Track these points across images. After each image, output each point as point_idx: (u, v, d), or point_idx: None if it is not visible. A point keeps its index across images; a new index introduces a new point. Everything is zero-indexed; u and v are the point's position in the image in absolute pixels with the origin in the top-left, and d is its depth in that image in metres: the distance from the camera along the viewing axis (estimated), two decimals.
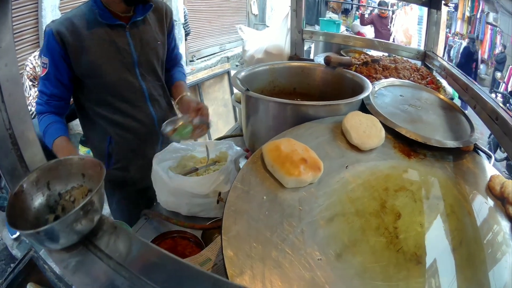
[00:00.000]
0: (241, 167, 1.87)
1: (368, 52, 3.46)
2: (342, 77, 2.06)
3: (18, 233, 4.44)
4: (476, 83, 2.10)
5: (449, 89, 2.46)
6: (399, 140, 1.49)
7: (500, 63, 14.08)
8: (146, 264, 0.79)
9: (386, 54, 3.34)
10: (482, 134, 1.76)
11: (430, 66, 2.95)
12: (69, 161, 1.01)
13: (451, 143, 1.47)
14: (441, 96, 1.96)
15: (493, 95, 9.35)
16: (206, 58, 9.76)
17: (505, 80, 13.17)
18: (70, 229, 0.81)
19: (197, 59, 9.36)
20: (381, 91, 1.86)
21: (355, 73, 2.02)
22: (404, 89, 1.95)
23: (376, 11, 12.84)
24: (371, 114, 1.55)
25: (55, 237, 0.79)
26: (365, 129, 1.41)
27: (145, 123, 2.24)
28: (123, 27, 2.05)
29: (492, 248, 1.15)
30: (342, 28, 7.37)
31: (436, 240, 1.12)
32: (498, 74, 13.87)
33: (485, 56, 15.44)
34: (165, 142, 2.32)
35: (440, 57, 2.92)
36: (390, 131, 1.49)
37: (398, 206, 1.17)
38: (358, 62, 2.45)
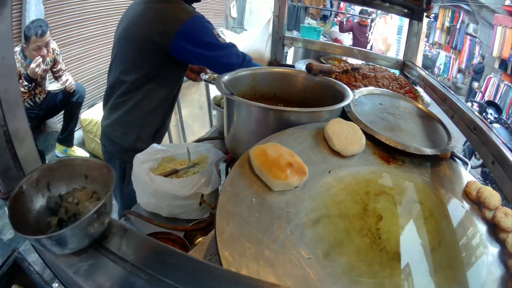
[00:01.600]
0: (220, 169, 1.94)
1: (347, 60, 3.57)
2: (323, 85, 2.14)
3: None
4: (454, 94, 2.21)
5: (427, 99, 2.57)
6: (378, 147, 1.58)
7: (477, 73, 14.43)
8: (164, 264, 0.81)
9: (364, 62, 3.44)
10: (457, 141, 1.84)
11: (408, 75, 3.06)
12: (71, 162, 1.01)
13: (429, 151, 1.57)
14: (419, 106, 2.06)
15: (469, 104, 9.58)
16: None
17: (482, 89, 13.47)
18: (84, 233, 0.82)
19: None
20: (361, 99, 1.95)
21: (336, 81, 2.10)
22: (383, 97, 2.05)
23: (356, 19, 13.05)
24: (352, 121, 1.63)
25: (67, 241, 0.81)
26: (347, 136, 1.49)
27: None
28: None
29: (471, 249, 1.24)
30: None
31: (416, 241, 1.21)
32: (476, 84, 14.21)
33: (463, 66, 15.76)
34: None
35: (419, 67, 3.03)
36: (370, 138, 1.58)
37: (379, 209, 1.26)
38: (339, 70, 2.54)
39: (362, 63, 3.23)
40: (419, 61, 3.22)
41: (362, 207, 1.24)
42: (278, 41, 3.60)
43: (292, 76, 2.23)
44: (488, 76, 13.60)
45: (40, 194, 0.95)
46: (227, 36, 4.11)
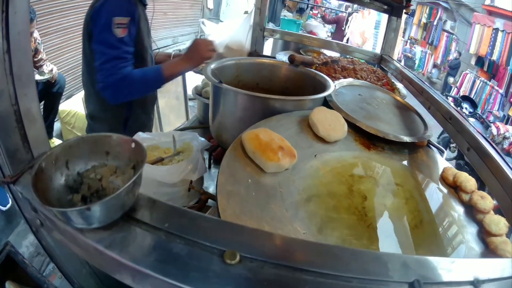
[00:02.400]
0: (204, 158, 2.01)
1: (324, 53, 3.68)
2: (304, 75, 2.25)
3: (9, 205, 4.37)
4: (430, 87, 2.34)
5: (404, 91, 2.68)
6: (359, 134, 1.70)
7: (453, 69, 14.67)
8: (198, 228, 0.85)
9: (340, 55, 3.55)
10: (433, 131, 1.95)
11: (385, 68, 3.17)
12: (93, 138, 1.01)
13: (407, 138, 1.70)
14: (397, 97, 2.18)
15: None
16: (157, 50, 9.76)
17: (458, 85, 13.72)
18: (121, 204, 0.85)
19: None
20: (341, 89, 2.07)
21: (317, 72, 2.20)
22: (362, 89, 2.18)
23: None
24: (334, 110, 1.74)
25: (103, 213, 0.81)
26: (330, 123, 1.60)
27: None
28: (145, 6, 2.46)
29: (450, 228, 1.37)
30: None
31: (400, 219, 1.32)
32: (451, 79, 14.46)
33: (438, 61, 16.00)
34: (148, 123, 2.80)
35: (396, 61, 3.15)
36: (351, 126, 1.70)
37: (363, 190, 1.37)
38: (319, 62, 2.64)
39: (340, 56, 3.32)
40: (395, 56, 3.33)
41: (347, 188, 1.36)
42: (259, 33, 3.70)
43: (275, 66, 2.34)
44: (464, 72, 13.86)
45: (58, 173, 0.94)
46: (209, 27, 4.15)
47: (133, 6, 2.16)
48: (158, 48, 2.78)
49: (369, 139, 1.69)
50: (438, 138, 7.87)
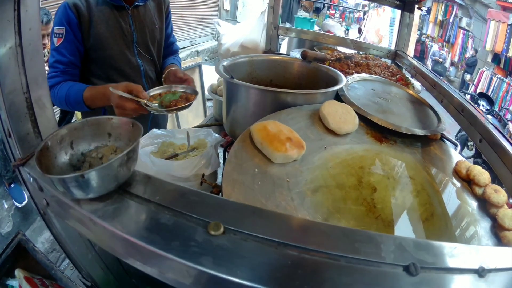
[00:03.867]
0: (218, 153, 2.02)
1: (344, 51, 3.66)
2: (317, 71, 2.24)
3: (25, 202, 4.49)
4: (443, 81, 2.31)
5: (418, 86, 2.65)
6: (371, 128, 1.68)
7: (470, 66, 14.53)
8: (186, 201, 0.88)
9: (356, 52, 3.52)
10: (449, 132, 1.90)
11: (400, 64, 3.15)
12: (96, 121, 1.07)
13: (419, 131, 1.67)
14: (410, 91, 2.16)
15: None
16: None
17: (475, 82, 13.59)
18: (114, 175, 0.88)
19: None
20: (354, 84, 2.05)
21: (329, 67, 2.19)
22: (375, 83, 2.15)
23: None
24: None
25: (97, 182, 0.85)
26: (341, 116, 1.59)
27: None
28: (126, 9, 2.32)
29: (462, 221, 1.34)
30: (315, 27, 7.53)
31: (410, 211, 1.30)
32: (468, 76, 14.31)
33: (455, 59, 15.87)
34: (154, 119, 2.65)
35: (410, 57, 3.12)
36: (363, 119, 1.68)
37: (373, 181, 1.35)
38: (332, 58, 2.63)
39: (354, 53, 3.31)
40: (410, 51, 3.31)
41: (357, 180, 1.34)
42: (273, 31, 3.69)
43: (288, 63, 2.32)
44: (481, 70, 13.73)
45: (63, 152, 1.00)
46: (223, 27, 4.17)
47: (73, 14, 2.14)
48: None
49: (381, 133, 1.67)
50: (456, 136, 7.81)
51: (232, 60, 2.14)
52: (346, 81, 1.97)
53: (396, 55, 3.30)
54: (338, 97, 1.84)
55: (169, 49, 2.79)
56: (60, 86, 2.16)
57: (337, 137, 1.56)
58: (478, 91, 12.50)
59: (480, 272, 0.72)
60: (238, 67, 2.18)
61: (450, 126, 1.86)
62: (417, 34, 17.36)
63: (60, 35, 2.14)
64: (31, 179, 1.03)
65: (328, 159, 1.41)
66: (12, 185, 4.46)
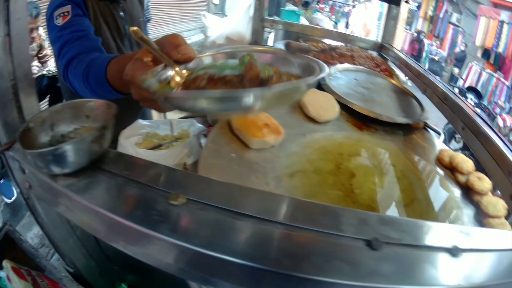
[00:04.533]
0: (201, 142, 2.03)
1: (329, 43, 3.65)
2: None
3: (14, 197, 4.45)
4: (427, 71, 2.32)
5: (403, 77, 2.66)
6: (352, 116, 1.68)
7: (459, 61, 14.60)
8: (154, 175, 0.90)
9: (342, 44, 3.52)
10: (437, 125, 1.90)
11: (385, 56, 3.16)
12: (74, 104, 1.09)
13: (401, 119, 1.68)
14: (394, 82, 2.17)
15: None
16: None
17: (464, 77, 13.66)
18: (86, 149, 0.90)
19: None
20: (337, 74, 2.05)
21: (312, 57, 2.19)
22: (358, 73, 2.16)
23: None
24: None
25: (70, 156, 0.88)
26: (321, 104, 1.60)
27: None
28: (118, 2, 2.26)
29: (445, 208, 1.34)
30: (303, 20, 7.49)
31: (389, 197, 1.30)
32: (456, 70, 14.38)
33: (445, 54, 15.92)
34: (146, 112, 2.62)
35: (396, 49, 3.13)
36: (345, 108, 1.69)
37: (352, 167, 1.35)
38: (316, 49, 2.63)
39: (340, 45, 3.31)
40: (397, 45, 3.31)
41: (335, 165, 1.34)
42: (259, 24, 3.66)
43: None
44: (470, 65, 13.79)
45: (44, 133, 1.03)
46: (210, 19, 4.17)
47: None
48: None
49: (362, 121, 1.67)
50: (444, 128, 7.85)
51: (216, 51, 2.14)
52: (329, 71, 1.96)
53: (382, 47, 3.30)
54: (321, 87, 1.83)
55: None
56: (79, 58, 1.61)
57: (317, 125, 1.56)
58: (467, 85, 12.56)
59: (453, 252, 0.71)
60: None
61: (438, 120, 1.87)
62: (415, 33, 17.44)
63: (66, 13, 1.87)
64: (15, 162, 1.06)
65: (307, 145, 1.41)
66: (1, 181, 4.44)
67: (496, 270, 0.73)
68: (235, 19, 4.07)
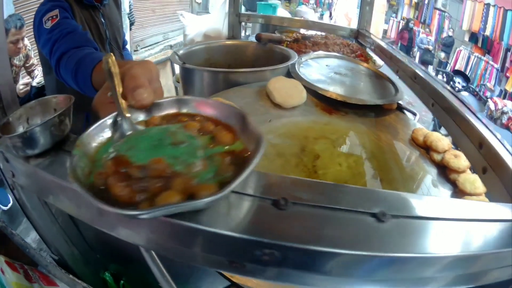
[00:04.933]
0: None
1: (304, 32, 3.66)
2: (271, 52, 2.27)
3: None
4: (400, 52, 2.33)
5: (380, 62, 2.66)
6: (321, 101, 1.68)
7: (448, 46, 14.62)
8: None
9: (319, 33, 3.53)
10: (425, 116, 1.90)
11: (363, 43, 3.17)
12: (45, 101, 1.17)
13: (371, 101, 1.68)
14: (368, 66, 2.17)
15: (439, 76, 9.78)
16: (150, 47, 9.75)
17: (452, 61, 13.68)
18: (48, 133, 0.99)
19: (141, 49, 9.37)
20: (308, 62, 2.05)
21: (283, 47, 2.22)
22: (330, 59, 2.16)
23: None
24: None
25: (37, 138, 0.97)
26: (288, 90, 1.60)
27: None
28: (97, 8, 2.34)
29: (418, 188, 1.33)
30: (287, 14, 7.46)
31: (356, 177, 1.29)
32: (442, 55, 14.41)
33: (432, 40, 15.94)
34: None
35: (373, 35, 3.14)
36: (314, 94, 1.69)
37: (317, 150, 1.35)
38: (289, 39, 2.64)
39: (315, 34, 3.31)
40: (379, 33, 3.32)
41: (299, 148, 1.34)
42: (235, 19, 3.67)
43: (243, 46, 2.36)
44: (458, 49, 13.82)
45: (21, 126, 1.12)
46: (188, 18, 4.19)
47: (66, 2, 2.10)
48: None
49: (332, 105, 1.67)
50: (433, 119, 7.86)
51: (188, 48, 2.17)
52: (299, 59, 1.97)
53: (358, 34, 3.31)
54: (290, 75, 1.84)
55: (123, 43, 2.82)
56: (70, 54, 1.72)
57: (283, 111, 1.56)
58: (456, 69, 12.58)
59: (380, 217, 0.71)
60: (196, 55, 2.21)
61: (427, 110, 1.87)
62: (403, 21, 17.44)
63: (54, 17, 1.95)
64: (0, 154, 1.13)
65: (271, 130, 1.41)
66: None
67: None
68: (212, 16, 4.10)
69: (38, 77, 5.01)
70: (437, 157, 1.46)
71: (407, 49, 15.23)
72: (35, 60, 5.08)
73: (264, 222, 0.66)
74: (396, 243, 0.64)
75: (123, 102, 0.83)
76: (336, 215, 0.68)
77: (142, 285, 1.62)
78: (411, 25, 16.02)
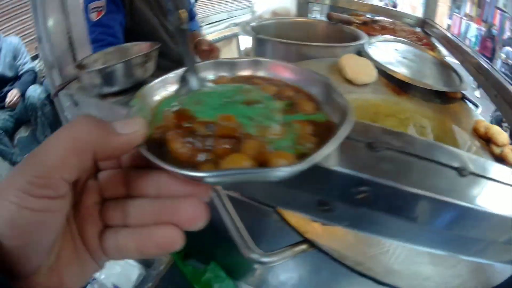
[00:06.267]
0: None
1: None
2: (341, 32, 2.29)
3: None
4: (464, 43, 2.34)
5: (445, 52, 2.66)
6: (391, 82, 1.70)
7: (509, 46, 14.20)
8: None
9: (386, 18, 3.53)
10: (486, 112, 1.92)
11: (428, 32, 3.16)
12: (125, 48, 1.25)
13: (439, 87, 1.69)
14: (434, 54, 2.18)
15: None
16: (214, 24, 9.76)
17: None
18: (130, 72, 1.05)
19: (206, 25, 9.41)
20: (377, 43, 2.05)
21: (354, 28, 2.24)
22: (398, 44, 2.16)
23: None
24: None
25: (118, 76, 1.03)
26: (359, 68, 1.62)
27: None
28: None
29: None
30: None
31: None
32: (503, 55, 14.01)
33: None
34: None
35: (439, 25, 3.13)
36: (383, 74, 1.71)
37: (387, 125, 1.36)
38: (358, 21, 2.66)
39: (383, 19, 3.31)
40: (441, 23, 3.30)
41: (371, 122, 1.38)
42: None
43: (313, 25, 2.39)
44: None
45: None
46: None
47: None
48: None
49: (400, 87, 1.69)
50: (491, 115, 7.72)
51: (259, 22, 2.20)
52: (369, 40, 2.00)
53: (424, 23, 3.30)
54: (360, 54, 1.86)
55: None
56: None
57: (354, 87, 1.59)
58: None
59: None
60: (266, 29, 2.23)
61: (488, 108, 1.89)
62: (465, 17, 16.90)
63: (100, 9, 1.95)
64: (68, 98, 1.18)
65: None
66: None
67: None
68: None
69: None
70: (496, 150, 1.47)
71: (490, 61, 14.75)
72: None
73: (360, 160, 0.70)
74: (475, 196, 0.67)
75: (193, 58, 0.72)
76: (423, 163, 0.73)
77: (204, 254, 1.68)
78: (494, 31, 15.48)
